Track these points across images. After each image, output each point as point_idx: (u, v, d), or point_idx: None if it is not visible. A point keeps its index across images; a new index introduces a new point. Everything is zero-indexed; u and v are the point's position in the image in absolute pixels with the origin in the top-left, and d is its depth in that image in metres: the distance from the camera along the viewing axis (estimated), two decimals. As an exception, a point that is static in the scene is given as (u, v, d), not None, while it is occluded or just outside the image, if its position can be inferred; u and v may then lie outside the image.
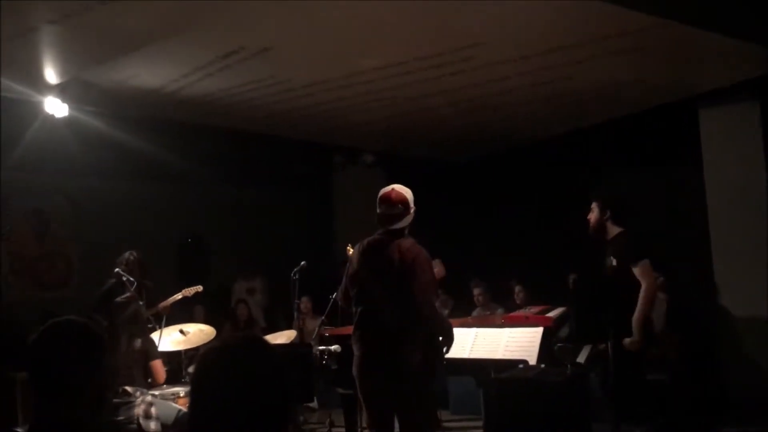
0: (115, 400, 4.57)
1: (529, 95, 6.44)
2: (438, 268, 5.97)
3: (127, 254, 5.87)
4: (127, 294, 5.17)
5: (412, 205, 3.85)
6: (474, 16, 4.64)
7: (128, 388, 4.65)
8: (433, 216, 6.37)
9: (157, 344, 5.05)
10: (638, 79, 6.08)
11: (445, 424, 6.15)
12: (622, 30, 4.93)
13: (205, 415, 1.62)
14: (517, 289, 7.31)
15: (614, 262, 4.59)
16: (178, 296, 6.06)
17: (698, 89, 6.46)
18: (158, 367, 4.92)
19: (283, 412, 1.67)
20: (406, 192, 3.86)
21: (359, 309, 3.82)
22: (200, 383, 1.67)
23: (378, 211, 3.83)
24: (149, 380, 4.97)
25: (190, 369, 4.86)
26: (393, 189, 3.85)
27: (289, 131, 7.52)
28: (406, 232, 3.83)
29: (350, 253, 4.66)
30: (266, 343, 1.74)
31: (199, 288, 6.16)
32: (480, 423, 5.32)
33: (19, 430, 2.40)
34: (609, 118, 7.17)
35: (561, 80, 6.00)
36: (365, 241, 3.87)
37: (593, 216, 4.81)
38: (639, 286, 4.53)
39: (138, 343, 4.85)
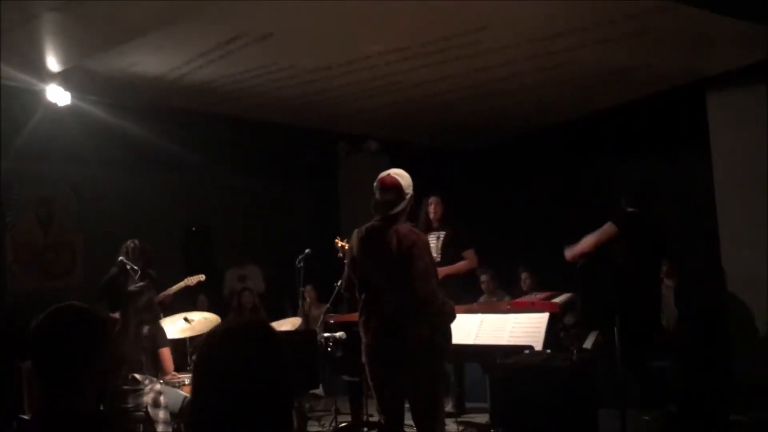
0: (125, 387, 4.59)
1: (534, 80, 6.40)
2: (470, 259, 6.01)
3: (128, 242, 5.88)
4: (141, 283, 5.19)
5: (407, 190, 3.81)
6: (479, 0, 4.59)
7: (137, 376, 4.67)
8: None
9: (164, 333, 5.05)
10: (644, 63, 6.03)
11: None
12: (628, 13, 4.89)
13: (208, 400, 1.61)
14: (524, 275, 7.28)
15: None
16: (181, 285, 6.08)
17: (705, 73, 6.40)
18: (166, 354, 4.92)
19: (286, 397, 1.66)
20: (402, 177, 3.82)
21: (363, 296, 3.83)
22: (203, 367, 1.65)
23: (375, 197, 3.81)
24: (157, 371, 4.97)
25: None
26: (388, 174, 3.82)
27: (293, 119, 7.50)
28: (404, 217, 3.81)
29: (339, 245, 4.66)
30: (269, 328, 1.72)
31: (202, 277, 6.18)
32: (486, 408, 5.34)
33: (25, 417, 2.40)
34: (616, 104, 7.13)
35: (566, 65, 5.96)
36: (363, 228, 3.86)
37: None
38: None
39: (146, 329, 4.86)
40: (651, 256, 5.43)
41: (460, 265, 5.95)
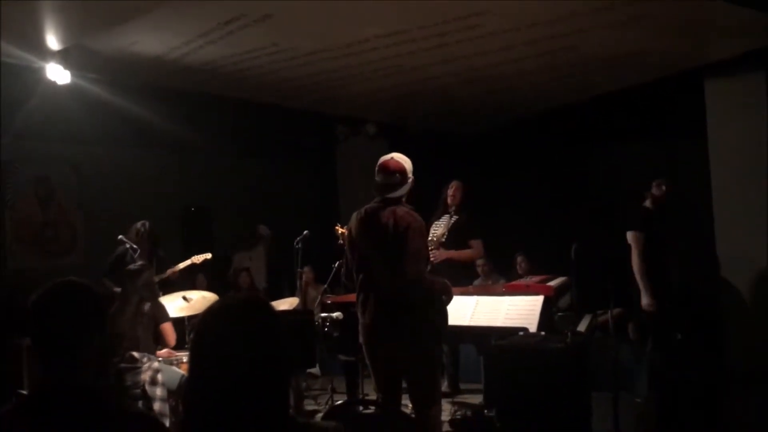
0: (122, 365, 4.63)
1: (533, 65, 6.39)
2: (476, 248, 6.06)
3: (139, 225, 5.91)
4: (141, 262, 5.21)
5: (410, 174, 3.90)
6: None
7: (135, 354, 4.70)
8: (436, 187, 6.40)
9: (164, 309, 5.08)
10: (643, 49, 6.02)
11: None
12: (628, -2, 4.89)
13: (206, 375, 1.61)
14: (519, 259, 7.33)
15: None
16: (187, 263, 6.13)
17: (704, 60, 6.40)
18: (168, 329, 4.96)
19: (284, 372, 1.66)
20: (405, 161, 3.90)
21: (360, 276, 3.87)
22: (201, 342, 1.65)
23: (376, 179, 3.87)
24: (158, 345, 5.02)
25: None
26: (392, 158, 3.90)
27: (292, 101, 7.49)
28: (404, 200, 3.87)
29: (339, 232, 4.71)
30: (267, 304, 1.72)
31: (208, 255, 6.23)
32: (481, 389, 5.39)
33: (24, 392, 2.41)
34: (614, 90, 7.13)
35: (566, 50, 5.95)
36: (363, 210, 3.92)
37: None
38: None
39: (147, 306, 4.89)
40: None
41: (465, 253, 6.00)
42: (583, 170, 8.48)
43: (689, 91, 6.72)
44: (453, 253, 5.87)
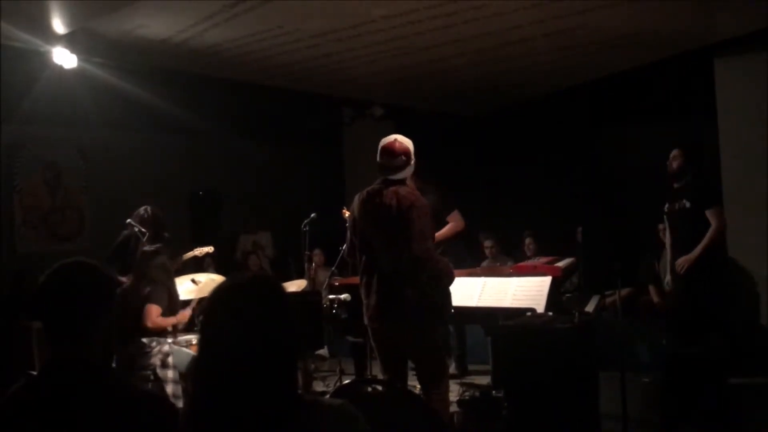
0: (132, 350, 4.65)
1: (540, 45, 6.35)
2: (456, 221, 5.90)
3: (141, 210, 5.90)
4: (158, 245, 5.20)
5: (413, 156, 3.91)
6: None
7: (144, 340, 4.72)
8: (444, 169, 6.39)
9: (162, 294, 4.95)
10: (652, 27, 5.97)
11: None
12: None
13: (214, 353, 1.61)
14: (527, 240, 7.32)
15: (688, 205, 5.28)
16: (190, 255, 6.12)
17: (714, 38, 6.33)
18: (153, 311, 4.80)
19: (292, 350, 1.66)
20: (408, 144, 3.92)
21: (363, 258, 3.88)
22: (210, 320, 1.65)
23: (379, 160, 3.88)
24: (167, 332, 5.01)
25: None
26: (396, 140, 3.90)
27: (299, 84, 7.47)
28: (406, 182, 3.88)
29: (346, 215, 4.70)
30: (277, 283, 1.72)
31: (210, 249, 6.22)
32: (488, 370, 5.41)
33: (32, 373, 2.42)
34: (622, 69, 7.08)
35: (573, 30, 5.91)
36: (365, 191, 3.93)
37: (678, 162, 5.42)
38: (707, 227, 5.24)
39: (146, 290, 4.88)
40: None
41: (448, 229, 5.70)
42: (592, 150, 8.44)
43: (698, 70, 6.66)
44: (437, 234, 5.71)
